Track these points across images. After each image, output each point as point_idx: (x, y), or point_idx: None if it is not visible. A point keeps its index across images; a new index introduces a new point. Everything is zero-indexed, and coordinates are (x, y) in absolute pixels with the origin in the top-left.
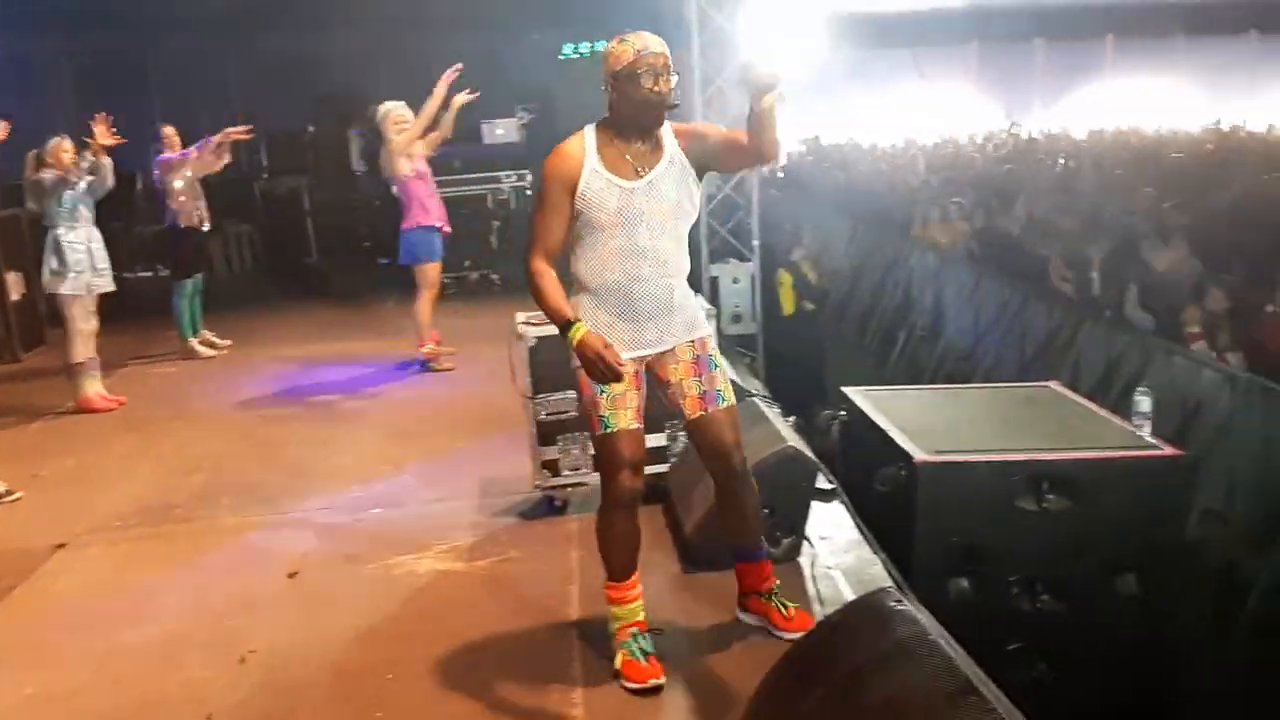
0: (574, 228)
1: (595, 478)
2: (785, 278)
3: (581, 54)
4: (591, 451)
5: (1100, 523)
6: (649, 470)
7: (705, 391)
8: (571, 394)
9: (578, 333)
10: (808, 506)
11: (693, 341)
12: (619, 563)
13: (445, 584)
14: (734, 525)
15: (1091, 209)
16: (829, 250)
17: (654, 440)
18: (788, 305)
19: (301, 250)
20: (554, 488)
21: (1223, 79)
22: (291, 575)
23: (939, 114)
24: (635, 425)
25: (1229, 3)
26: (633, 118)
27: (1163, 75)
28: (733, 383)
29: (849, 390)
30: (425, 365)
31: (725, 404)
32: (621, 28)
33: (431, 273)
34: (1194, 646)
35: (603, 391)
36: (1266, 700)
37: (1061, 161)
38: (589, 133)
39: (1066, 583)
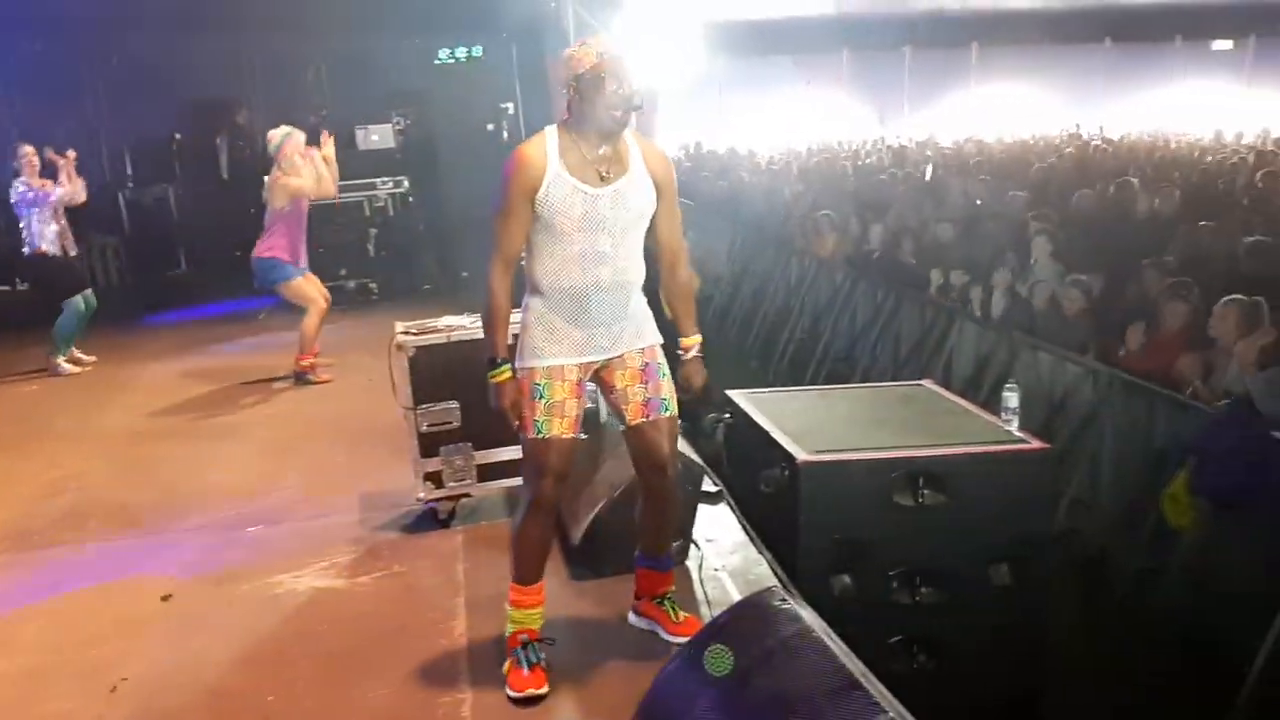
0: (532, 230)
1: (479, 488)
2: None
3: (458, 59)
4: (476, 461)
5: (974, 515)
6: None
7: (649, 399)
8: (453, 404)
9: (500, 375)
10: (694, 510)
11: (643, 349)
12: (529, 567)
13: (327, 601)
14: (652, 533)
15: (961, 214)
16: (712, 256)
17: None
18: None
19: (170, 261)
20: (438, 500)
21: (1080, 85)
22: (164, 598)
23: (816, 120)
24: (569, 435)
25: (1085, 13)
26: (598, 121)
27: (1024, 82)
28: None
29: (733, 393)
30: (301, 378)
31: (668, 413)
32: (498, 33)
33: (296, 289)
34: (1066, 631)
35: (540, 397)
36: (1133, 680)
37: (930, 169)
38: (550, 135)
39: (943, 575)
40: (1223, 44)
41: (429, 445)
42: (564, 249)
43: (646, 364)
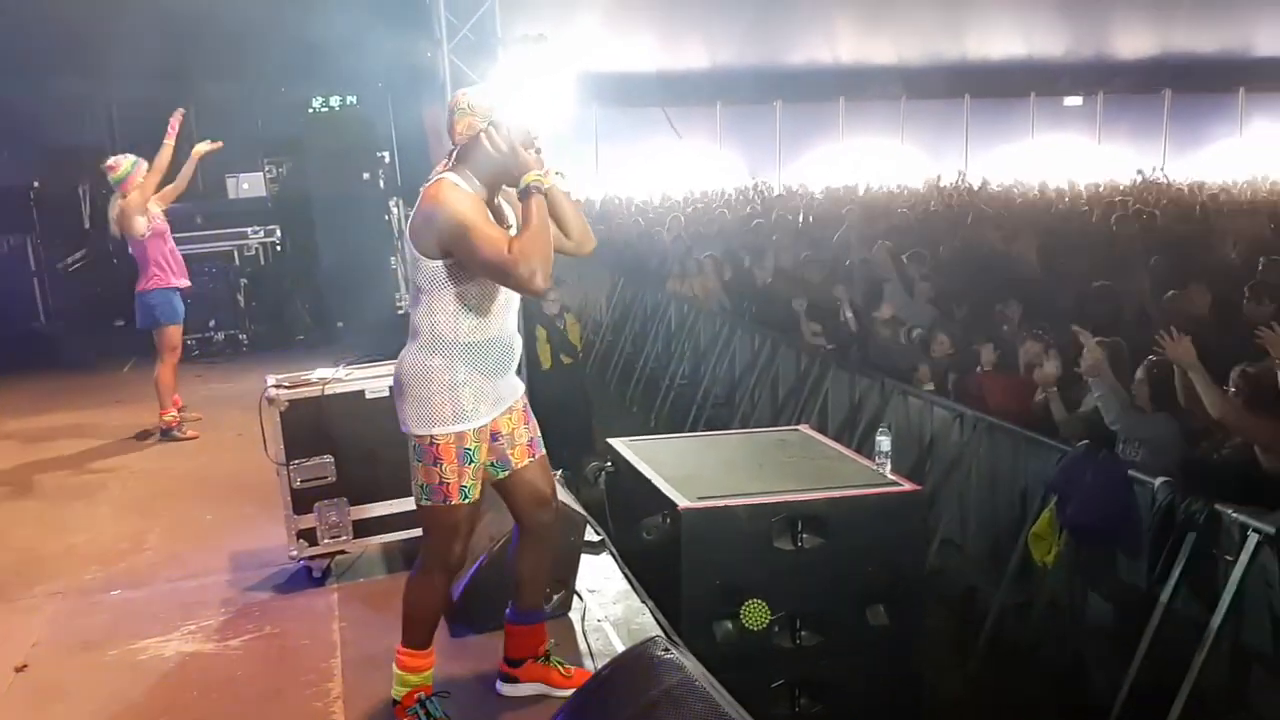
0: (447, 279)
1: (356, 544)
2: (541, 332)
3: (332, 107)
4: (352, 516)
5: (850, 558)
6: (408, 535)
7: (532, 439)
8: (328, 458)
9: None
10: (577, 560)
11: (520, 391)
12: (426, 631)
13: (196, 667)
14: (532, 582)
15: (833, 261)
16: (592, 303)
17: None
18: (545, 360)
19: (29, 314)
20: (312, 557)
21: (942, 138)
22: (20, 669)
23: (691, 170)
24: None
25: (945, 70)
26: (498, 171)
27: (890, 135)
28: None
29: (614, 441)
30: (167, 433)
31: (542, 451)
32: (374, 82)
33: (173, 336)
34: (940, 668)
35: (470, 461)
36: (1001, 712)
37: (803, 216)
38: (456, 179)
39: (823, 617)
40: (1073, 100)
41: (303, 501)
42: (490, 297)
43: (525, 405)
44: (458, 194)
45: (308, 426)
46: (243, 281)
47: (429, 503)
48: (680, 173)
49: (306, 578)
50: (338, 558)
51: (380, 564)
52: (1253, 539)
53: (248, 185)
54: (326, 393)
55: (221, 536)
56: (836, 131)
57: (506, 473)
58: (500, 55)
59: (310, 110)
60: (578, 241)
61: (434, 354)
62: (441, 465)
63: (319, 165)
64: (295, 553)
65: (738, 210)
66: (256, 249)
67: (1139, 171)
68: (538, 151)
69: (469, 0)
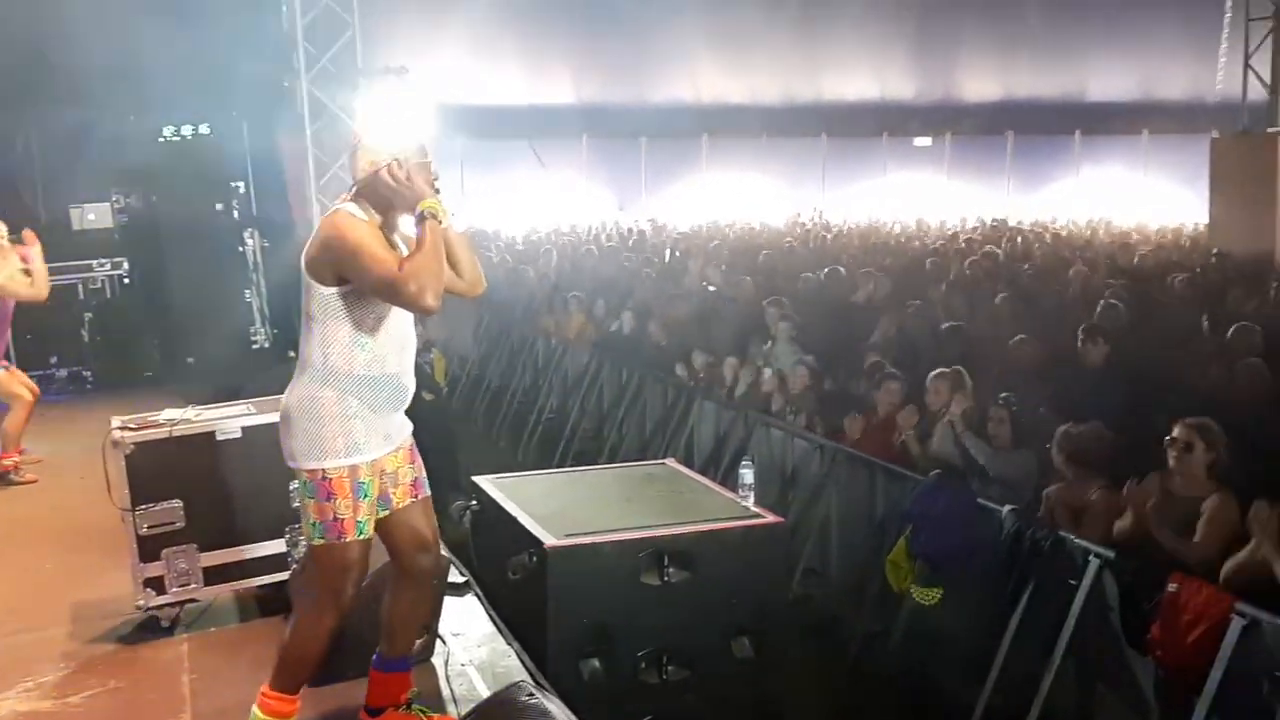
0: (341, 308)
1: (206, 592)
2: None
3: (184, 136)
4: (202, 563)
5: (716, 591)
6: (273, 579)
7: (417, 478)
8: (176, 503)
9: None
10: (440, 603)
11: (409, 430)
12: (305, 674)
13: None
14: (403, 628)
15: (699, 297)
16: (457, 337)
17: (274, 546)
18: None
19: None
20: (160, 606)
21: (801, 175)
22: None
23: (557, 203)
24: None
25: (802, 110)
26: (400, 201)
27: (752, 170)
28: None
29: (479, 479)
30: (4, 478)
31: (426, 492)
32: (229, 112)
33: (7, 384)
34: (803, 697)
35: (365, 495)
36: None
37: (669, 252)
38: (354, 208)
39: (690, 652)
40: (923, 141)
41: (150, 548)
42: (384, 330)
43: (411, 445)
44: (352, 220)
45: (155, 470)
46: (87, 316)
47: (322, 541)
48: (547, 205)
49: (154, 628)
50: (187, 606)
51: (233, 612)
52: (1094, 563)
53: (94, 216)
54: (175, 434)
55: (62, 586)
56: (700, 166)
57: (387, 512)
58: (361, 86)
59: (161, 139)
60: (469, 282)
61: (325, 385)
62: (335, 500)
63: (170, 196)
64: (142, 602)
65: (604, 246)
66: (103, 282)
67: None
68: (437, 191)
69: (328, 30)
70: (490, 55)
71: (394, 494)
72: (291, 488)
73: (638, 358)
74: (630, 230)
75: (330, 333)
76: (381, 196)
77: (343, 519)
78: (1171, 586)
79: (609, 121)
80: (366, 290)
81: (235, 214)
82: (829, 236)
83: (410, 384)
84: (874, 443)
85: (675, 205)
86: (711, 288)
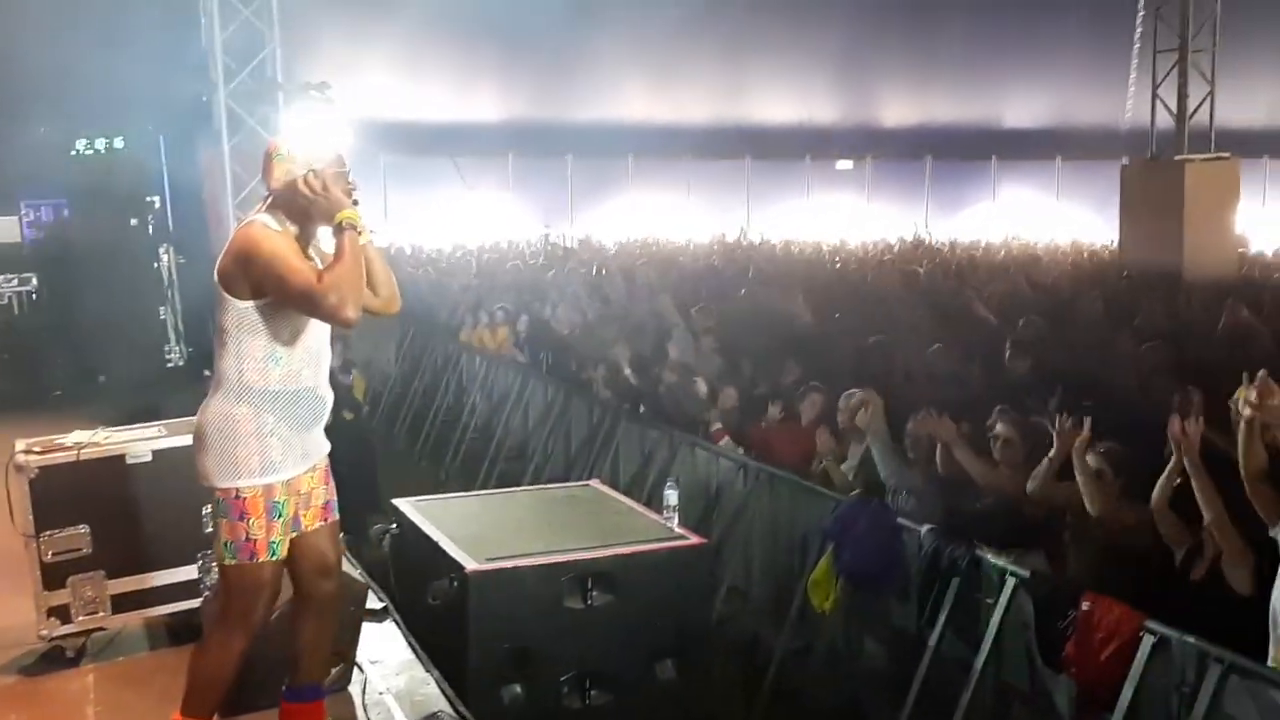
0: (257, 322)
1: (114, 620)
2: None
3: (97, 150)
4: (110, 591)
5: (639, 614)
6: (184, 606)
7: (329, 501)
8: (83, 529)
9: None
10: (358, 630)
11: (325, 450)
12: (216, 697)
13: None
14: (312, 654)
15: (623, 313)
16: (380, 354)
17: (185, 573)
18: None
19: None
20: (65, 636)
21: (726, 195)
22: None
23: (483, 220)
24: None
25: (726, 132)
26: (318, 212)
27: (677, 191)
28: None
29: (399, 501)
30: None
31: (335, 516)
32: (145, 125)
33: None
34: (725, 717)
35: (279, 515)
36: None
37: (595, 268)
38: (269, 219)
39: (612, 675)
40: (845, 164)
41: (54, 576)
42: (299, 343)
43: (326, 465)
44: (267, 231)
45: (61, 494)
46: None
47: (234, 561)
48: (472, 222)
49: (58, 659)
50: (94, 635)
51: (142, 640)
52: (1010, 582)
53: (0, 230)
54: (83, 457)
55: None
56: (626, 186)
57: (296, 534)
58: (280, 101)
59: (74, 153)
60: (385, 300)
61: (240, 402)
62: (248, 520)
63: (82, 210)
64: (46, 632)
65: (529, 261)
66: (10, 298)
67: (918, 233)
68: (355, 203)
69: (248, 44)
70: (415, 72)
71: (304, 516)
72: (205, 511)
73: (563, 375)
74: (556, 246)
75: (245, 347)
76: (298, 207)
77: (255, 539)
78: (1085, 605)
79: (535, 140)
80: (284, 303)
81: (150, 229)
82: (753, 255)
83: (328, 396)
84: (787, 443)
85: (601, 224)
86: (637, 304)
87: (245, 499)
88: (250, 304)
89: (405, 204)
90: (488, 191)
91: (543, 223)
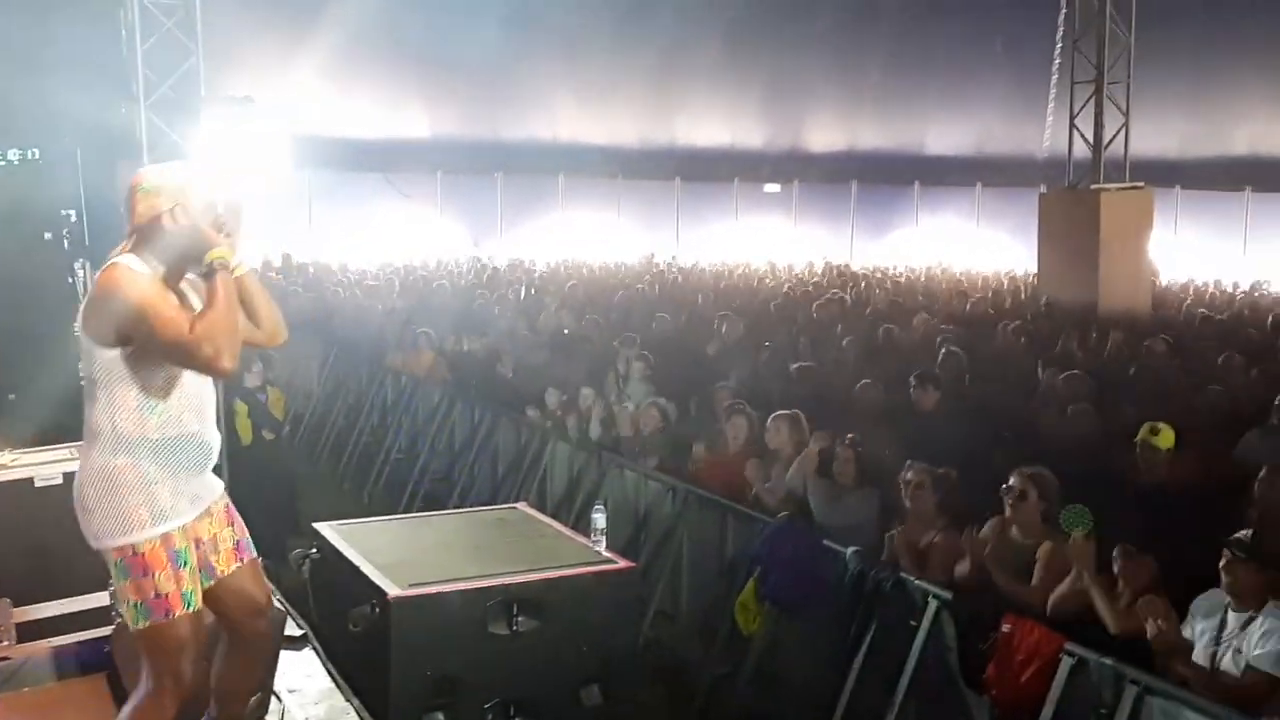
0: (126, 370)
1: (20, 650)
2: (240, 407)
3: (10, 161)
4: (15, 619)
5: (566, 639)
6: (95, 634)
7: (240, 541)
8: None
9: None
10: (276, 658)
11: (221, 490)
12: None
13: None
14: (233, 694)
15: (553, 336)
16: (302, 374)
17: (96, 599)
18: (245, 435)
19: None
20: None
21: (655, 216)
22: None
23: (411, 237)
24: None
25: (656, 153)
26: (186, 249)
27: (607, 210)
28: None
29: (320, 525)
30: None
31: (253, 554)
32: (60, 138)
33: None
34: None
35: (184, 563)
36: None
37: (524, 290)
38: (132, 261)
39: (537, 702)
40: (772, 187)
41: None
42: (180, 389)
43: (227, 504)
44: (133, 275)
45: None
46: None
47: (147, 623)
48: (400, 240)
49: None
50: None
51: (49, 670)
52: (933, 604)
53: None
54: None
55: None
56: (557, 205)
57: (211, 581)
58: (202, 115)
59: None
60: (268, 333)
61: (118, 453)
62: (154, 575)
63: None
64: None
65: (457, 282)
66: None
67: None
68: (227, 235)
69: (170, 56)
70: (344, 87)
71: (216, 561)
72: None
73: (490, 396)
74: (485, 266)
75: (117, 397)
76: (164, 245)
77: (166, 593)
78: (1005, 627)
79: (464, 157)
80: (156, 354)
81: (65, 244)
82: (680, 279)
83: (214, 441)
84: (718, 474)
85: (531, 242)
86: (565, 330)
87: (144, 554)
88: (117, 352)
89: (332, 220)
90: (416, 209)
91: (472, 240)
